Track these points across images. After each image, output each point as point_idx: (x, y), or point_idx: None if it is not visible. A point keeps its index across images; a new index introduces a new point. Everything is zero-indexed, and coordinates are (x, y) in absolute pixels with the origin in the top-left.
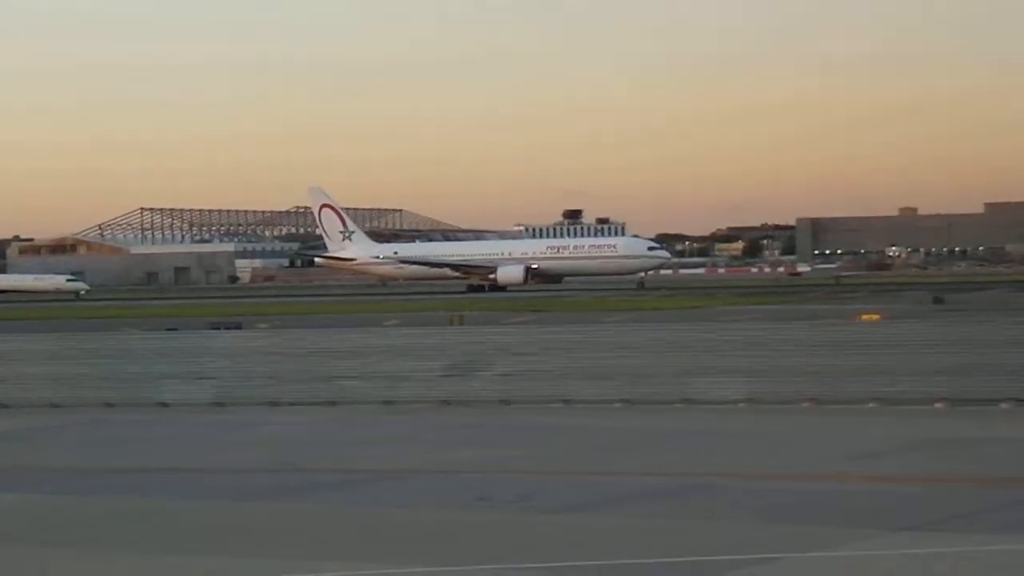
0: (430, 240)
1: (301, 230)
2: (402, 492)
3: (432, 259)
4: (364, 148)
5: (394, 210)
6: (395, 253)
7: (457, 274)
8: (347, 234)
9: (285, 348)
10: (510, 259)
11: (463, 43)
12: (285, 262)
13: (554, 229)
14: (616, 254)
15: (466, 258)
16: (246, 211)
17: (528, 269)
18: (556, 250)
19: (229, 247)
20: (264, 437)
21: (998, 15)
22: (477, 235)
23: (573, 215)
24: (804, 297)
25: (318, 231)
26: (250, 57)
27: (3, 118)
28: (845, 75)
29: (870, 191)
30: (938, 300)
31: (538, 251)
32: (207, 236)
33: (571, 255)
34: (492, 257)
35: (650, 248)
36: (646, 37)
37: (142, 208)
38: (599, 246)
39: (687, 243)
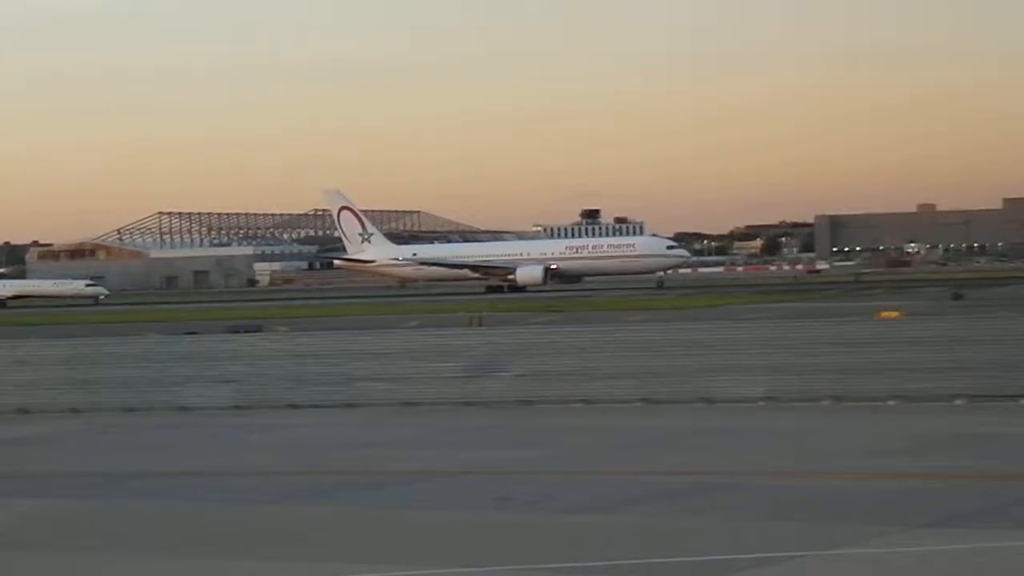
0: (448, 241)
1: (320, 233)
2: (422, 493)
3: (451, 260)
4: (381, 150)
5: (412, 212)
6: (414, 255)
7: (476, 275)
8: (366, 236)
9: (304, 351)
10: (529, 259)
11: (479, 43)
12: (304, 265)
13: (572, 229)
14: (635, 253)
15: (485, 259)
16: (264, 214)
17: (547, 269)
18: (575, 250)
19: (248, 250)
20: (285, 440)
21: (1016, 6)
22: (495, 236)
23: (591, 215)
24: (823, 295)
25: (337, 233)
26: (267, 60)
27: (21, 123)
28: (862, 71)
29: (888, 188)
30: (957, 296)
31: (557, 251)
32: (226, 240)
33: (590, 255)
34: (511, 258)
35: (669, 247)
36: (662, 33)
37: (160, 212)
38: (618, 246)
39: (705, 242)
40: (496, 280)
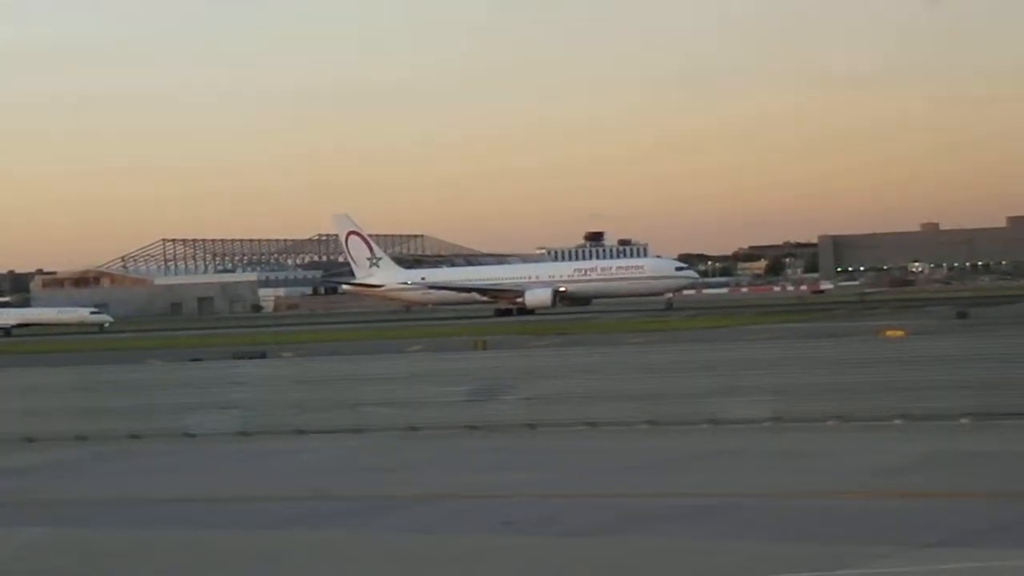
0: (453, 265)
1: (324, 258)
2: (428, 517)
3: (460, 284)
4: (384, 173)
5: (415, 235)
6: (423, 279)
7: (485, 298)
8: (374, 260)
9: (310, 376)
10: (538, 282)
11: (481, 66)
12: (308, 290)
13: (576, 252)
14: (644, 275)
15: (494, 282)
16: (268, 240)
17: (556, 292)
18: (584, 272)
19: (252, 276)
20: (290, 465)
21: (1019, 21)
22: (500, 259)
23: (595, 237)
24: (828, 314)
25: (341, 258)
26: (268, 84)
27: (24, 151)
28: (864, 90)
29: (891, 207)
30: (962, 315)
31: (566, 274)
32: (230, 266)
33: (599, 277)
34: (520, 280)
35: (678, 268)
36: (664, 54)
37: (164, 239)
38: (627, 268)
39: (709, 263)
40: (505, 303)
